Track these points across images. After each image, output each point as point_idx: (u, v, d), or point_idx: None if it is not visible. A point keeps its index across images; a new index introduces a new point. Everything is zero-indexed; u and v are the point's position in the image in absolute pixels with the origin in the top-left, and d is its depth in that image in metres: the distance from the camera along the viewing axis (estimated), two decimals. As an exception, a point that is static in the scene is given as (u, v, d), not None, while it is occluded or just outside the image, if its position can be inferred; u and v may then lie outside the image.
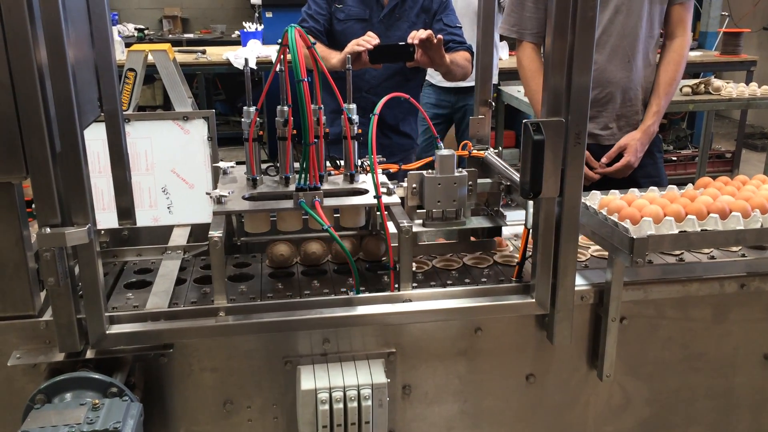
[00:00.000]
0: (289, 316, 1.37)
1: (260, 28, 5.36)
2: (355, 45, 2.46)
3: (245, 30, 5.16)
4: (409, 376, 1.49)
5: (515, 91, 4.81)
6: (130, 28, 7.31)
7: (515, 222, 1.78)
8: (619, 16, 2.39)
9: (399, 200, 1.53)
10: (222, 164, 1.74)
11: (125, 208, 1.81)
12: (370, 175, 1.66)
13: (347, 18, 2.75)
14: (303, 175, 1.48)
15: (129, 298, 1.49)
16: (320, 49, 2.61)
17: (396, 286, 1.46)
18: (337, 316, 1.39)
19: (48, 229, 1.18)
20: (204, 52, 5.16)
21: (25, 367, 1.31)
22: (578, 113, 1.30)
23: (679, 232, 1.39)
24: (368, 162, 1.72)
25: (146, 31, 7.31)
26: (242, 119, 1.58)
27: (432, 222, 1.63)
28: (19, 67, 1.13)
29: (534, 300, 1.43)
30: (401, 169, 1.74)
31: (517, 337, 1.51)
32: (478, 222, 1.69)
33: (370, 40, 2.46)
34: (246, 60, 1.63)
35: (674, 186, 1.67)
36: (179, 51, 5.31)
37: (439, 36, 2.49)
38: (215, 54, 5.23)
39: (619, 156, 2.45)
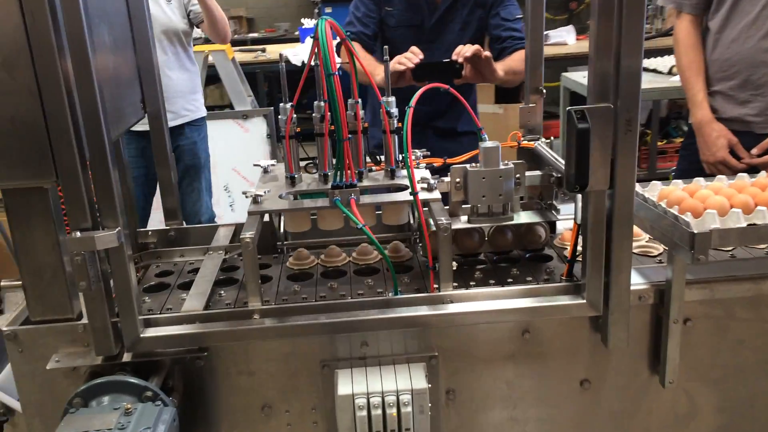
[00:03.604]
0: (324, 319, 1.33)
1: (319, 23, 5.36)
2: (396, 63, 2.31)
3: (303, 27, 5.17)
4: (453, 381, 1.42)
5: (581, 77, 4.61)
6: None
7: (569, 216, 1.67)
8: None
9: (439, 196, 1.46)
10: (263, 162, 1.71)
11: (171, 208, 1.81)
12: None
13: (398, 25, 2.62)
14: (338, 172, 1.44)
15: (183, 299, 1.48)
16: (367, 62, 2.48)
17: (436, 286, 1.39)
18: (373, 318, 1.33)
19: (78, 233, 1.18)
20: (264, 51, 5.21)
21: (66, 370, 1.32)
22: (629, 98, 1.19)
23: (748, 225, 1.26)
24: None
25: (212, 32, 7.45)
26: (279, 116, 1.56)
27: (477, 218, 1.55)
28: (45, 73, 1.12)
29: (585, 301, 1.33)
30: (446, 163, 1.67)
31: (569, 339, 1.41)
32: (527, 217, 1.60)
33: (412, 57, 2.28)
34: (281, 56, 1.60)
35: (744, 174, 1.52)
36: (240, 50, 5.38)
37: (486, 53, 2.29)
38: (275, 52, 5.27)
39: None
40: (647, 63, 4.13)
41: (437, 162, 1.68)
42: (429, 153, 1.69)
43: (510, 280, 1.49)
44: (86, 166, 1.19)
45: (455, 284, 1.45)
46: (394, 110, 1.54)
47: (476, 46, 2.28)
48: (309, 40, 5.06)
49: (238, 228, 1.79)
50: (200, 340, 1.31)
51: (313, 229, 1.63)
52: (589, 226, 1.27)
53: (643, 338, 1.42)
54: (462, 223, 1.55)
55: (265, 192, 1.49)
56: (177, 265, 1.69)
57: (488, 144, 1.50)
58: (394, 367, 1.36)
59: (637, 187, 1.48)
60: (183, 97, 3.31)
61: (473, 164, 1.52)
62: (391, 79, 2.41)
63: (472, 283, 1.49)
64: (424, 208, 1.46)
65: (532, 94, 1.82)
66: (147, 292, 1.55)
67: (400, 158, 1.59)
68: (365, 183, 1.53)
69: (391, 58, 2.43)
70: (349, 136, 1.42)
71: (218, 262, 1.61)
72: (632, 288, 1.35)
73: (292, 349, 1.37)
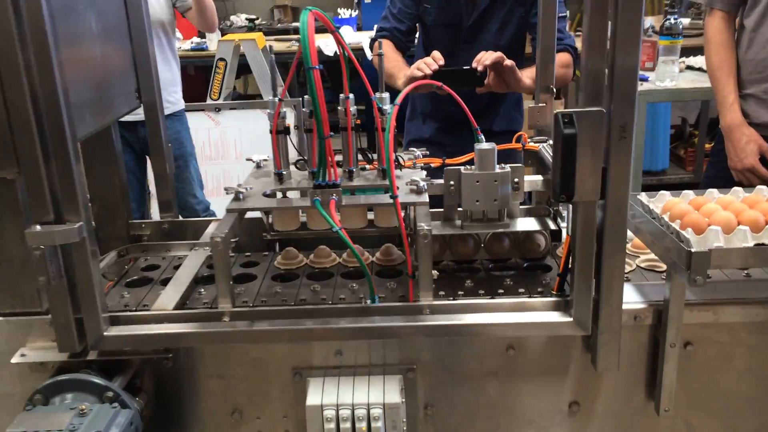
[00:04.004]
0: (295, 325, 1.27)
1: (354, 14, 5.30)
2: (415, 69, 2.19)
3: (339, 16, 5.11)
4: (432, 395, 1.34)
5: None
6: (242, 18, 7.49)
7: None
8: None
9: (426, 199, 1.38)
10: (255, 156, 1.66)
11: (166, 200, 1.78)
12: (406, 170, 1.54)
13: (435, 24, 2.51)
14: (321, 171, 1.37)
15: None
16: (391, 64, 2.38)
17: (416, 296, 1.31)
18: (345, 327, 1.26)
19: (38, 227, 1.15)
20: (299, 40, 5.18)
21: (33, 364, 1.30)
22: (623, 102, 1.09)
23: (755, 245, 1.14)
24: (408, 156, 1.59)
25: (256, 21, 7.47)
26: (268, 111, 1.50)
27: (471, 224, 1.46)
28: (6, 64, 1.10)
29: (572, 319, 1.23)
30: (444, 163, 1.58)
31: (558, 359, 1.32)
32: (526, 224, 1.50)
33: (431, 63, 2.17)
34: (270, 47, 1.54)
35: (764, 186, 1.38)
36: (276, 40, 5.35)
37: (508, 62, 2.14)
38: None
39: None
40: (693, 61, 3.91)
41: (435, 162, 1.60)
42: (428, 152, 1.62)
43: (501, 291, 1.40)
44: (50, 158, 1.15)
45: (442, 293, 1.37)
46: (387, 107, 1.46)
47: (498, 54, 2.14)
48: (343, 30, 5.04)
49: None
50: (166, 341, 1.27)
51: (305, 226, 1.58)
52: (578, 239, 1.18)
53: (639, 361, 1.31)
54: (456, 228, 1.47)
55: (248, 188, 1.44)
56: (165, 259, 1.66)
57: (483, 146, 1.41)
58: (368, 379, 1.30)
59: (644, 197, 1.37)
60: (164, 89, 3.24)
61: (468, 167, 1.44)
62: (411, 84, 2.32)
63: (460, 293, 1.40)
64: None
65: (542, 93, 1.72)
66: (129, 287, 1.52)
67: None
68: (356, 182, 1.46)
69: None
70: (332, 133, 1.35)
71: (202, 258, 1.57)
72: (628, 307, 1.25)
73: (263, 353, 1.32)
